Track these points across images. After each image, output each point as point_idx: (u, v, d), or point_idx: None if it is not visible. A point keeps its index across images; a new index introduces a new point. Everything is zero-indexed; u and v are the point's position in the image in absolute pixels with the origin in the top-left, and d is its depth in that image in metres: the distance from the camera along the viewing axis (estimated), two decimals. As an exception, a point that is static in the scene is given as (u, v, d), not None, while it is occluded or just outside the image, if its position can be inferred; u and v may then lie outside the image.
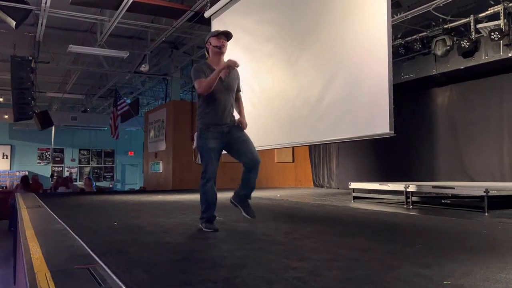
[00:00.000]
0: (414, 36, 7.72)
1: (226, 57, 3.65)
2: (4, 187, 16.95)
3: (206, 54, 3.69)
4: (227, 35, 3.58)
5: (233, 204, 3.77)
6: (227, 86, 3.57)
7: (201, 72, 3.48)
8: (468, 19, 6.93)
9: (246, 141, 3.61)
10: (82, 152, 20.75)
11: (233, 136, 3.57)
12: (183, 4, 8.08)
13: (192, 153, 11.48)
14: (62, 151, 20.21)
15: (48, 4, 7.39)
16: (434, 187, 5.68)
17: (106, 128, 18.20)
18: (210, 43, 3.58)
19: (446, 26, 7.23)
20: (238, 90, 3.75)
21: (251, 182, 3.63)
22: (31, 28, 9.10)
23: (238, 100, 3.78)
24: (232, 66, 3.46)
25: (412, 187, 5.63)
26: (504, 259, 2.42)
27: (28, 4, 7.59)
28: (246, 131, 3.69)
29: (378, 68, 4.64)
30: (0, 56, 11.10)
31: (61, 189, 11.06)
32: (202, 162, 3.53)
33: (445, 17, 7.20)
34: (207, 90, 3.42)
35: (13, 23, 7.67)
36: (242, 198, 3.72)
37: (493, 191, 4.78)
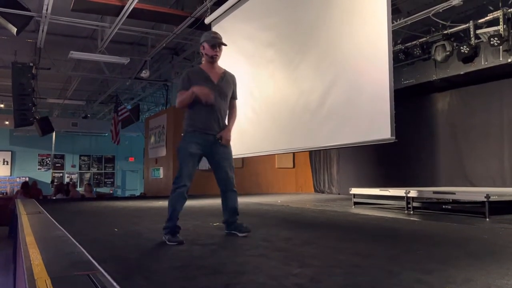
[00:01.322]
0: (414, 42, 7.74)
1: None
2: (5, 193, 16.93)
3: (201, 54, 3.54)
4: (222, 44, 3.46)
5: (229, 233, 3.54)
6: (220, 92, 3.42)
7: (187, 81, 3.36)
8: (467, 24, 6.95)
9: (229, 159, 3.45)
10: (82, 158, 20.76)
11: (217, 148, 3.40)
12: (183, 10, 8.11)
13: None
14: (62, 157, 20.22)
15: (49, 10, 7.42)
16: (435, 192, 5.67)
17: (106, 134, 18.23)
18: (203, 47, 3.46)
19: (445, 32, 7.26)
20: (233, 98, 3.59)
21: (231, 202, 3.48)
22: (32, 34, 9.14)
23: (231, 108, 3.59)
24: (204, 99, 3.29)
25: (413, 193, 5.62)
26: (506, 265, 2.41)
27: (29, 10, 7.62)
28: (232, 143, 3.52)
29: (379, 74, 4.65)
30: (1, 62, 11.14)
31: (59, 196, 11.06)
32: (179, 165, 3.32)
33: (444, 22, 7.23)
34: (180, 106, 3.37)
35: (14, 30, 7.70)
36: (229, 224, 3.53)
37: (494, 197, 4.77)
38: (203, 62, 3.55)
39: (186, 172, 3.28)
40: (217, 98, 3.39)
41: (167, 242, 3.13)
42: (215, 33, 3.53)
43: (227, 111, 3.56)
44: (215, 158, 3.43)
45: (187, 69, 3.57)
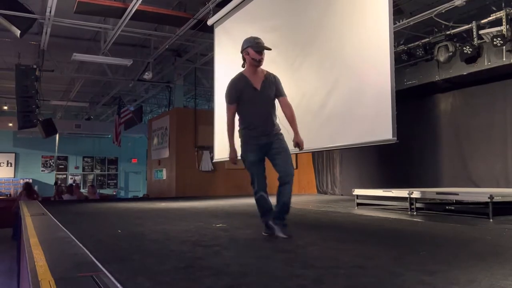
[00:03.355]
0: (417, 43, 7.73)
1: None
2: (8, 195, 16.99)
3: (243, 61, 3.62)
4: (266, 49, 3.54)
5: (269, 226, 3.55)
6: (264, 97, 3.51)
7: (234, 94, 3.49)
8: (470, 25, 6.94)
9: (281, 153, 3.52)
10: (85, 159, 20.82)
11: (271, 147, 3.51)
12: (186, 12, 8.13)
13: (196, 160, 11.49)
14: (66, 158, 20.28)
15: (53, 13, 7.46)
16: (438, 193, 5.65)
17: (109, 136, 18.28)
18: (247, 53, 3.52)
19: (448, 32, 7.24)
20: (279, 95, 3.61)
21: (282, 197, 3.51)
22: (35, 37, 9.18)
23: (284, 107, 3.63)
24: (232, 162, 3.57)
25: (416, 194, 5.60)
26: (509, 265, 2.40)
27: (32, 13, 7.66)
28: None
29: (381, 75, 4.65)
30: (5, 64, 11.19)
31: (67, 197, 11.11)
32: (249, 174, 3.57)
33: (447, 23, 7.22)
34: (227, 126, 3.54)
35: (18, 32, 7.74)
36: (277, 216, 3.54)
37: (498, 197, 4.75)
38: (245, 68, 3.60)
39: (255, 179, 3.54)
40: (262, 103, 3.50)
41: (263, 233, 3.53)
42: (258, 38, 3.60)
43: (275, 110, 3.62)
44: (273, 155, 3.54)
45: (231, 79, 3.59)
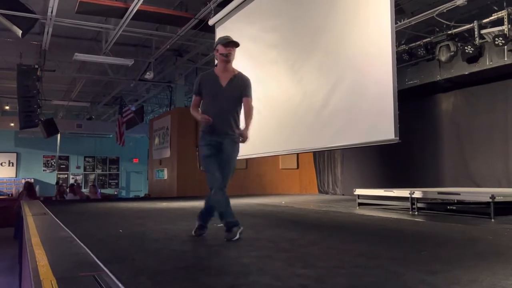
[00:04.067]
0: (418, 42, 7.72)
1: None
2: (10, 195, 17.01)
3: (216, 60, 3.66)
4: (235, 44, 3.55)
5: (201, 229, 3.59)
6: (227, 95, 3.49)
7: (197, 86, 3.57)
8: (472, 24, 6.93)
9: (229, 162, 3.48)
10: (87, 159, 20.84)
11: (221, 147, 3.46)
12: (187, 12, 8.13)
13: (197, 160, 11.50)
14: (67, 158, 20.31)
15: (54, 13, 7.46)
16: (439, 193, 5.65)
17: (111, 136, 18.29)
18: (217, 50, 3.56)
19: (450, 32, 7.23)
20: (244, 96, 3.58)
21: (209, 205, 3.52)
22: (37, 37, 9.19)
23: (245, 106, 3.59)
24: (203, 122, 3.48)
25: (417, 193, 5.60)
26: (511, 265, 2.40)
27: (34, 13, 7.67)
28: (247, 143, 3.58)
29: (382, 74, 4.65)
30: (6, 64, 11.21)
31: (70, 196, 11.13)
32: (205, 168, 3.52)
33: (449, 23, 7.20)
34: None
35: (19, 32, 7.75)
36: (205, 219, 3.60)
37: (499, 197, 4.75)
38: (217, 65, 3.62)
39: (210, 174, 3.44)
40: (224, 102, 3.49)
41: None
42: (228, 36, 3.62)
43: (240, 111, 3.62)
44: (221, 159, 3.48)
45: (201, 73, 3.67)
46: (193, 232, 3.55)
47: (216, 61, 3.66)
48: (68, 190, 12.37)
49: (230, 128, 3.50)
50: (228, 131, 3.48)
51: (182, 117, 11.89)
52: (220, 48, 3.52)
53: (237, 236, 3.30)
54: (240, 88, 3.57)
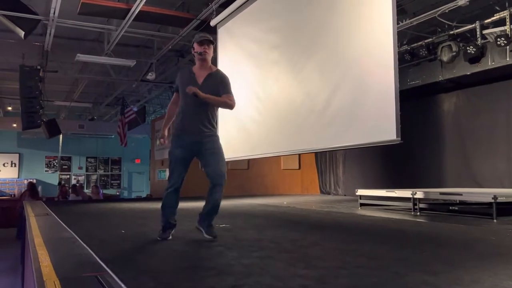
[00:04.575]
0: (420, 43, 7.71)
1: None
2: (12, 195, 17.05)
3: (194, 56, 3.61)
4: (210, 42, 3.50)
5: (197, 229, 3.49)
6: (201, 91, 3.37)
7: (176, 83, 3.58)
8: (474, 25, 6.92)
9: (214, 154, 3.42)
10: (89, 160, 20.87)
11: (203, 147, 3.41)
12: (189, 13, 8.14)
13: (198, 161, 11.49)
14: (69, 159, 20.34)
15: (56, 14, 7.48)
16: (441, 193, 5.64)
17: (113, 136, 18.31)
18: (193, 48, 3.52)
19: (452, 32, 7.22)
20: (224, 93, 3.48)
21: (213, 198, 3.38)
22: (39, 37, 9.21)
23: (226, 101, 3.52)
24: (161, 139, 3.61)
25: (419, 194, 5.60)
26: (513, 266, 2.40)
27: (36, 14, 7.69)
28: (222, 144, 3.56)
29: (384, 75, 4.65)
30: (9, 65, 11.24)
31: (72, 197, 11.15)
32: (169, 169, 3.47)
33: (450, 23, 7.19)
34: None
35: (22, 33, 7.77)
36: (203, 218, 3.44)
37: (502, 198, 4.74)
38: (196, 63, 3.62)
39: (172, 175, 3.42)
40: (200, 101, 3.38)
41: (157, 237, 3.38)
42: (204, 34, 3.60)
43: (216, 109, 3.58)
44: (205, 155, 3.43)
45: (180, 70, 3.63)
46: (205, 235, 3.41)
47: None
48: (70, 191, 12.39)
49: (205, 126, 3.44)
50: (203, 129, 3.42)
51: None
52: (196, 46, 3.50)
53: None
54: (217, 85, 3.49)
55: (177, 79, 3.60)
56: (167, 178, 3.48)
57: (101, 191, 14.08)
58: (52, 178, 19.35)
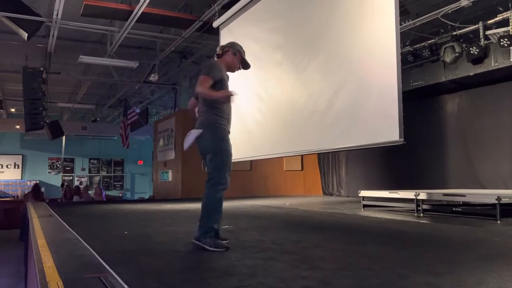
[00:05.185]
0: (423, 43, 7.70)
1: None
2: (16, 197, 17.11)
3: (220, 52, 3.47)
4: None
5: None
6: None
7: (219, 71, 3.26)
8: (477, 25, 6.90)
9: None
10: (92, 161, 20.92)
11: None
12: (191, 14, 8.16)
13: (201, 162, 11.51)
14: (72, 160, 20.40)
15: (59, 16, 7.51)
16: (444, 194, 5.63)
17: (116, 138, 18.35)
18: (235, 53, 3.45)
19: (455, 33, 7.21)
20: None
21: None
22: (42, 39, 9.25)
23: None
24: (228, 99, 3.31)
25: (422, 195, 5.58)
26: (517, 267, 2.39)
27: (40, 16, 7.72)
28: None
29: (387, 76, 4.64)
30: (12, 67, 11.28)
31: (75, 198, 11.17)
32: (220, 167, 3.30)
33: (453, 24, 7.18)
34: (205, 95, 3.20)
35: (25, 35, 7.80)
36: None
37: (505, 199, 4.72)
38: (217, 59, 3.47)
39: (228, 175, 3.33)
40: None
41: (209, 248, 2.94)
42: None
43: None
44: None
45: (214, 61, 3.46)
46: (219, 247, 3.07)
47: (220, 54, 3.47)
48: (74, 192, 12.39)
49: (202, 118, 3.45)
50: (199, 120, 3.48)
51: (187, 119, 11.89)
52: (239, 59, 3.48)
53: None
54: None
55: (219, 71, 3.29)
56: (212, 176, 3.33)
57: (104, 193, 14.10)
58: (55, 179, 19.40)
